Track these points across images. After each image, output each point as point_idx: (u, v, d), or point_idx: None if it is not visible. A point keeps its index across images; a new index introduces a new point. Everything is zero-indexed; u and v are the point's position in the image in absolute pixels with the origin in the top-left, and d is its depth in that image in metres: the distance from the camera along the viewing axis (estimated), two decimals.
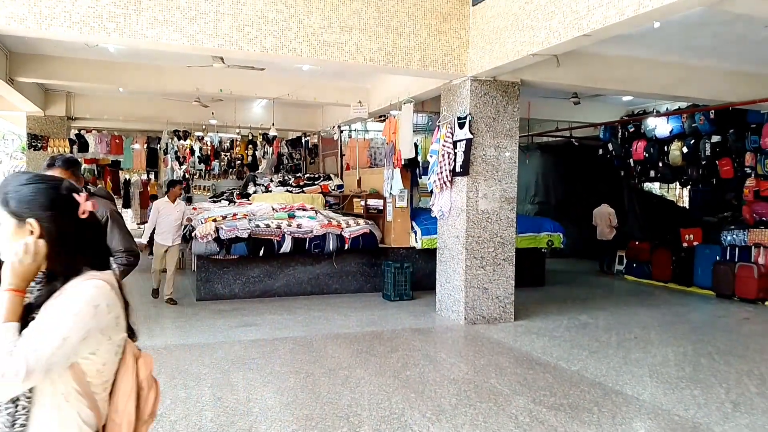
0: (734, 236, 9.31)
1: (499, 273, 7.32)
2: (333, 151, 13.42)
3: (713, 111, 9.73)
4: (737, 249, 9.19)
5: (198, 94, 10.53)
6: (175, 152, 14.30)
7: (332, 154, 13.55)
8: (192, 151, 14.23)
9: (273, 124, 12.21)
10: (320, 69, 9.04)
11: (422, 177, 9.53)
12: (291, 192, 10.88)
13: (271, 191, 11.19)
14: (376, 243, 9.05)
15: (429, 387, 4.82)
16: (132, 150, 14.45)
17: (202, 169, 15.05)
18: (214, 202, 11.53)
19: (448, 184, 7.37)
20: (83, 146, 13.14)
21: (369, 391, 4.71)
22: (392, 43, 6.52)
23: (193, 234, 8.19)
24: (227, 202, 10.96)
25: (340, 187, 11.36)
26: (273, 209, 8.98)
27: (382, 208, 9.55)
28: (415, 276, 8.74)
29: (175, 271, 8.25)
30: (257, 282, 8.59)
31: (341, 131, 12.73)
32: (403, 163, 8.61)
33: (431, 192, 7.79)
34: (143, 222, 15.30)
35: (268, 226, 8.41)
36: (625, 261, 11.44)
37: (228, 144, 15.20)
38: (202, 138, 14.41)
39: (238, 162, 15.04)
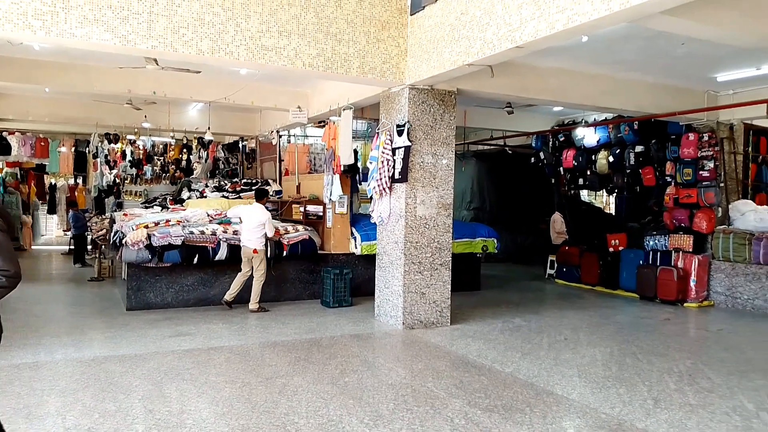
0: (656, 241, 9.83)
1: (437, 278, 7.44)
2: (271, 156, 13.25)
3: (637, 122, 10.27)
4: (659, 253, 9.72)
5: (130, 96, 10.17)
6: (106, 156, 13.77)
7: (270, 159, 13.38)
8: (123, 155, 13.73)
9: (209, 128, 11.95)
10: (258, 73, 8.93)
11: (362, 183, 9.58)
12: (227, 198, 10.66)
13: (206, 197, 10.93)
14: (316, 249, 9.00)
15: (367, 393, 4.84)
16: (58, 153, 13.81)
17: (133, 174, 14.55)
18: (146, 207, 11.14)
19: (387, 190, 7.44)
20: (5, 148, 12.46)
21: (306, 398, 4.67)
22: (331, 50, 6.53)
23: (123, 241, 7.89)
24: (160, 208, 10.62)
25: (278, 192, 11.23)
26: (208, 215, 8.78)
27: (321, 214, 9.51)
28: (355, 282, 8.75)
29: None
30: (191, 290, 8.37)
31: (280, 136, 12.60)
32: (342, 169, 8.63)
33: (371, 198, 7.83)
34: (68, 229, 14.63)
35: (202, 232, 8.21)
36: (555, 265, 11.85)
37: (161, 148, 14.76)
38: (134, 141, 13.93)
39: (172, 166, 14.63)
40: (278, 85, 10.33)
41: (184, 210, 9.48)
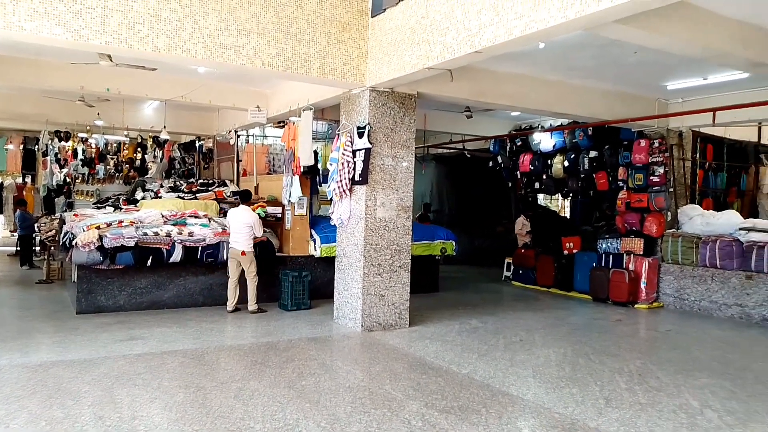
0: (609, 244, 10.11)
1: (396, 280, 7.46)
2: (229, 156, 13.05)
3: (591, 128, 10.55)
4: (611, 256, 9.99)
5: (82, 93, 9.84)
6: (56, 154, 13.31)
7: (228, 160, 13.19)
8: (75, 154, 13.29)
9: (164, 127, 11.68)
10: (217, 71, 8.79)
11: (322, 185, 9.52)
12: (183, 198, 10.42)
13: (161, 197, 10.67)
14: (274, 251, 8.91)
15: (324, 396, 4.81)
16: (6, 151, 13.27)
17: (85, 173, 14.11)
18: (98, 208, 10.81)
19: (347, 192, 7.42)
20: None
21: (263, 403, 4.61)
22: (291, 50, 6.48)
23: (73, 242, 7.64)
24: (113, 209, 10.32)
25: (236, 193, 11.05)
26: (163, 216, 8.57)
27: (280, 215, 9.42)
28: (314, 284, 8.68)
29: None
30: (145, 293, 8.16)
31: (238, 136, 12.42)
32: (302, 170, 8.56)
33: (331, 200, 7.79)
34: (15, 230, 14.08)
35: (157, 234, 8.01)
36: (512, 268, 12.05)
37: (115, 146, 14.36)
38: (86, 139, 13.50)
39: (126, 166, 14.25)
40: (237, 84, 10.19)
41: (137, 211, 9.23)
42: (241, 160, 12.35)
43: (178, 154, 14.44)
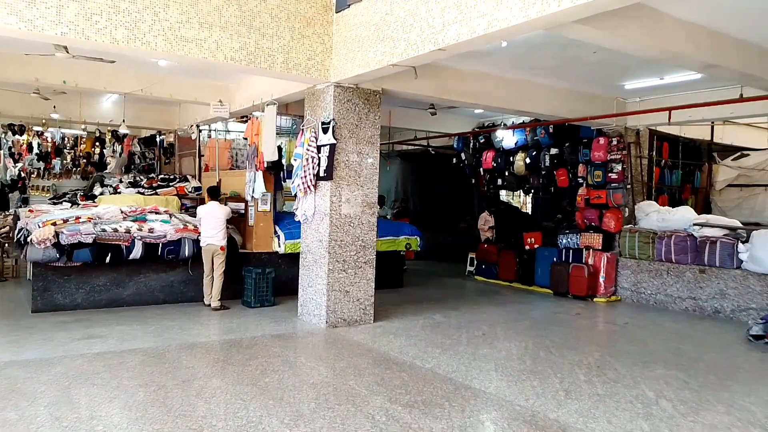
0: (569, 239, 10.33)
1: (361, 276, 7.47)
2: (191, 151, 12.83)
3: (552, 126, 10.74)
4: (571, 251, 10.22)
5: (38, 85, 9.52)
6: (10, 148, 12.87)
7: (190, 155, 12.95)
8: (30, 148, 12.88)
9: (123, 121, 11.41)
10: (178, 65, 8.62)
11: (286, 180, 9.45)
12: (143, 194, 10.22)
13: (120, 193, 10.44)
14: (237, 248, 8.81)
15: (288, 393, 4.79)
16: None
17: (40, 168, 13.68)
18: (55, 203, 10.51)
19: (312, 188, 7.38)
20: None
21: (225, 400, 4.57)
22: (254, 44, 6.41)
23: (28, 239, 7.41)
24: (70, 204, 10.05)
25: (197, 189, 10.88)
26: (122, 212, 8.38)
27: (243, 211, 9.31)
28: (278, 281, 8.62)
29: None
30: (104, 291, 7.97)
31: (200, 131, 12.22)
32: (266, 165, 8.48)
33: (295, 196, 7.75)
34: None
35: (116, 230, 7.83)
36: (475, 263, 12.20)
37: (72, 141, 13.96)
38: (42, 133, 13.10)
39: (84, 160, 13.87)
40: (199, 78, 10.01)
41: (96, 206, 9.01)
42: (203, 155, 12.14)
43: (138, 148, 14.12)
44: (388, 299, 8.96)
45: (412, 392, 4.89)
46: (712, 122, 11.32)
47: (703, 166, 12.19)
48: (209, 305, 8.17)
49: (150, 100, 11.24)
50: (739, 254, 8.45)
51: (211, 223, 8.11)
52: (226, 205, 8.67)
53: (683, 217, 9.43)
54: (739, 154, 12.33)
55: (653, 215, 9.77)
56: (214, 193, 8.54)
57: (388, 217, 12.93)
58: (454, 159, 13.36)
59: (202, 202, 10.27)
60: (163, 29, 5.85)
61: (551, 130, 10.90)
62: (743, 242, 8.49)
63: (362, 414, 4.36)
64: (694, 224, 9.20)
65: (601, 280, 9.78)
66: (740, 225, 9.16)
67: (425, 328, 7.34)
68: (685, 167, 11.68)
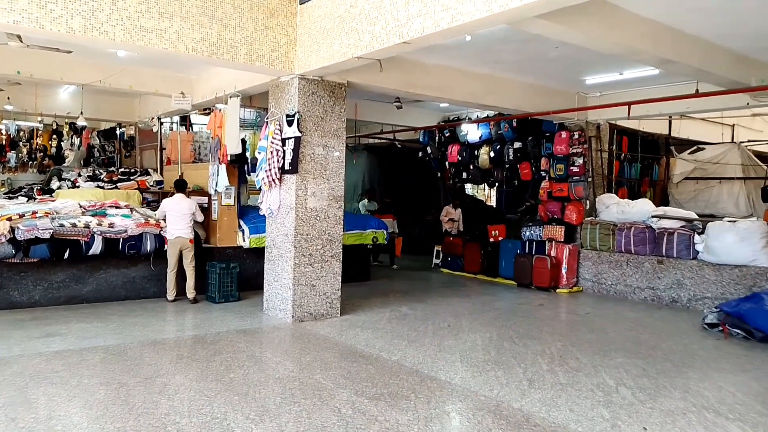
0: (532, 232, 10.51)
1: (327, 270, 7.45)
2: (152, 144, 12.55)
3: (515, 120, 10.88)
4: (534, 243, 10.40)
5: None
6: None
7: (151, 148, 12.67)
8: None
9: (81, 113, 11.09)
10: (138, 55, 8.41)
11: (250, 174, 9.34)
12: (103, 188, 9.97)
13: (79, 187, 10.15)
14: (200, 243, 8.67)
15: (253, 388, 4.76)
16: None
17: None
18: (10, 198, 10.15)
19: (276, 181, 7.32)
20: None
21: (189, 397, 4.51)
22: (217, 35, 6.30)
23: None
24: (26, 199, 9.72)
25: (159, 183, 10.67)
26: (81, 207, 8.16)
27: (206, 205, 9.16)
28: (243, 276, 8.53)
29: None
30: (62, 287, 7.76)
31: (161, 123, 11.97)
32: (229, 159, 8.37)
33: (260, 189, 7.67)
34: None
35: (74, 225, 7.62)
36: (441, 255, 12.30)
37: (28, 133, 13.47)
38: None
39: (40, 154, 13.41)
40: (160, 69, 9.80)
41: (53, 201, 8.74)
42: (164, 149, 11.90)
43: (98, 141, 13.72)
44: (355, 292, 8.97)
45: (378, 385, 4.91)
46: (670, 117, 11.65)
47: (660, 159, 12.54)
48: (173, 301, 8.05)
49: (109, 92, 10.94)
50: (695, 245, 8.73)
51: (179, 216, 8.00)
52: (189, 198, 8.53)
53: (642, 209, 9.68)
54: (695, 148, 12.73)
55: (613, 208, 10.01)
56: (182, 186, 8.39)
57: (363, 211, 12.92)
58: (420, 152, 13.42)
59: (165, 195, 10.09)
60: (122, 18, 5.70)
61: (515, 125, 11.04)
62: (699, 233, 8.78)
63: (328, 407, 4.36)
64: (653, 216, 9.46)
65: (564, 271, 9.98)
66: (696, 217, 9.47)
67: (392, 321, 7.37)
68: (643, 161, 12.00)
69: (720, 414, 4.43)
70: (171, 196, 8.36)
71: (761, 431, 4.13)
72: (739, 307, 6.95)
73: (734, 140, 12.92)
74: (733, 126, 13.35)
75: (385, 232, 10.65)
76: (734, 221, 8.48)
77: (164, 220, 8.14)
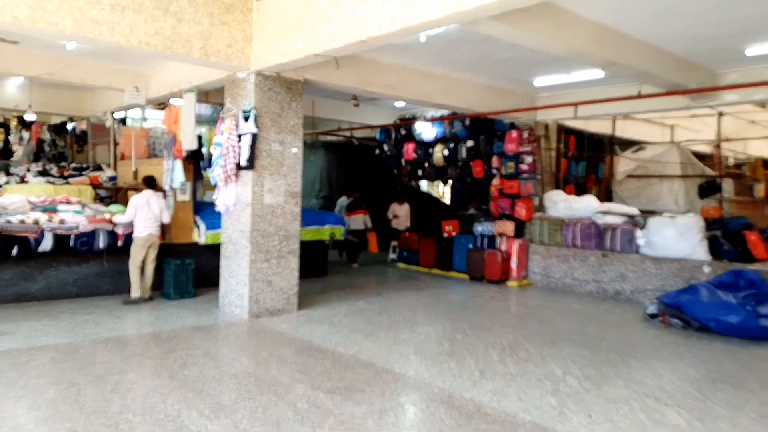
0: (484, 227, 10.78)
1: (284, 266, 7.47)
2: (105, 139, 12.24)
3: (469, 119, 11.11)
4: (486, 238, 10.67)
5: None
6: None
7: (104, 143, 12.36)
8: None
9: (30, 106, 10.73)
10: (89, 48, 8.22)
11: (206, 170, 9.24)
12: (53, 183, 9.69)
13: (27, 182, 9.84)
14: None
15: (208, 384, 4.77)
16: None
17: None
18: None
19: (233, 177, 7.29)
20: None
21: (142, 395, 4.50)
22: (171, 29, 6.24)
23: None
24: None
25: (113, 178, 10.44)
26: (30, 203, 7.93)
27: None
28: (199, 272, 8.46)
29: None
30: (10, 285, 7.53)
31: (115, 118, 11.69)
32: (185, 154, 8.27)
33: (216, 185, 7.62)
34: None
35: (23, 221, 7.41)
36: (397, 250, 12.46)
37: None
38: None
39: None
40: (113, 62, 9.56)
41: (0, 196, 8.46)
42: (118, 144, 11.63)
43: (48, 136, 13.32)
44: (312, 288, 9.03)
45: (334, 379, 5.00)
46: (614, 117, 12.10)
47: (605, 158, 13.02)
48: (136, 298, 7.85)
49: (60, 85, 10.62)
50: (637, 240, 9.13)
51: (151, 213, 7.85)
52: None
53: (588, 205, 10.06)
54: (637, 147, 13.27)
55: (561, 204, 10.35)
56: (152, 183, 8.16)
57: (336, 210, 12.90)
58: (377, 150, 13.53)
59: (118, 191, 9.91)
60: (72, 10, 5.59)
61: (468, 123, 11.28)
62: (641, 229, 9.18)
63: (284, 402, 4.42)
64: (598, 212, 9.85)
65: (514, 265, 10.27)
66: (638, 213, 9.90)
67: (348, 315, 7.46)
68: (589, 159, 12.46)
69: (660, 400, 4.67)
70: (139, 192, 8.11)
71: (697, 415, 4.38)
72: (678, 298, 7.32)
73: (674, 140, 13.52)
74: (672, 126, 13.96)
75: (342, 228, 10.72)
76: (673, 217, 8.91)
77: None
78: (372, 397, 4.59)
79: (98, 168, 10.73)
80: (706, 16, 6.28)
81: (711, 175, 12.15)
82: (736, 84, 8.27)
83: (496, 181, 10.86)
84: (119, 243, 8.05)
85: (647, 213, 10.09)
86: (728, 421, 4.30)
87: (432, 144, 12.21)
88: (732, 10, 6.11)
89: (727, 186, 11.83)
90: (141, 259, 7.86)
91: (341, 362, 5.48)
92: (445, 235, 11.43)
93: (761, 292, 7.32)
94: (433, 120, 12.03)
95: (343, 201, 13.08)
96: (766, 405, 4.66)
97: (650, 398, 4.73)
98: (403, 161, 12.91)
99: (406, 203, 12.74)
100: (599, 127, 12.46)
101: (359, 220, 12.13)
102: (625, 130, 13.07)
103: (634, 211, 9.94)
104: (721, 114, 10.15)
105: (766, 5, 5.97)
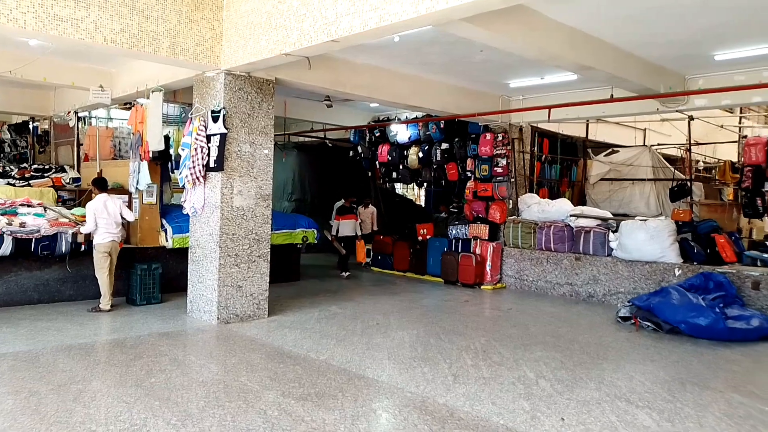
0: (458, 230, 10.77)
1: (254, 270, 7.32)
2: (68, 139, 11.89)
3: (443, 121, 11.10)
4: (460, 241, 10.65)
5: None
6: None
7: (67, 143, 12.00)
8: None
9: None
10: (52, 46, 7.95)
11: (174, 171, 9.04)
12: (13, 185, 9.36)
13: None
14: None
15: (175, 392, 4.61)
16: None
17: None
18: None
19: (201, 179, 7.13)
20: None
21: (106, 404, 4.32)
22: (138, 26, 6.07)
23: None
24: None
25: (76, 180, 10.14)
26: None
27: (127, 204, 8.78)
28: (166, 277, 8.26)
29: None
30: None
31: (79, 117, 11.37)
32: (151, 155, 8.07)
33: (183, 187, 7.44)
34: None
35: None
36: (371, 254, 12.37)
37: None
38: None
39: None
40: (77, 60, 9.28)
41: None
42: (82, 144, 11.32)
43: (9, 136, 12.90)
44: (284, 293, 8.88)
45: (305, 385, 4.88)
46: (587, 120, 12.24)
47: (578, 161, 13.15)
48: (108, 309, 7.52)
49: (21, 83, 10.26)
50: (610, 243, 9.21)
51: (110, 218, 7.52)
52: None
53: (561, 208, 10.12)
54: (610, 150, 13.44)
55: (534, 207, 10.40)
56: (103, 185, 7.83)
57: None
58: (351, 152, 13.44)
59: (82, 193, 9.62)
60: (33, 5, 5.39)
61: (442, 126, 11.27)
62: (613, 232, 9.27)
63: (254, 410, 4.30)
64: (571, 215, 9.91)
65: (488, 268, 10.27)
66: (611, 216, 10.00)
67: (320, 321, 7.35)
68: (563, 162, 12.55)
69: (631, 402, 4.69)
70: (92, 197, 7.78)
71: (666, 416, 4.41)
72: (649, 301, 7.38)
73: (645, 143, 13.73)
74: (644, 130, 14.19)
75: (315, 231, 10.58)
76: (645, 220, 9.01)
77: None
78: (344, 403, 4.49)
79: (61, 169, 10.41)
80: (677, 22, 6.35)
81: (681, 178, 12.36)
82: (705, 89, 8.40)
83: (470, 184, 10.87)
84: (83, 247, 7.79)
85: (619, 216, 10.21)
86: (696, 421, 4.33)
87: (407, 146, 12.17)
88: (701, 17, 6.20)
89: (697, 189, 12.03)
90: (107, 265, 7.55)
91: (313, 368, 5.37)
92: (420, 238, 11.39)
93: (729, 294, 7.45)
94: (407, 122, 11.99)
95: (338, 204, 12.81)
96: (732, 404, 4.71)
97: (621, 400, 4.73)
98: (377, 163, 12.84)
99: (371, 206, 12.63)
100: (573, 130, 12.59)
101: (350, 226, 11.43)
102: (598, 133, 13.23)
103: (606, 214, 10.04)
104: (691, 118, 10.33)
105: (734, 13, 6.07)
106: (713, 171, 14.58)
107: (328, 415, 4.23)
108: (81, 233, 7.67)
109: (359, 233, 11.61)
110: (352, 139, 13.27)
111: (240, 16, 6.53)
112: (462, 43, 6.94)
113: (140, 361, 5.41)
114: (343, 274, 11.21)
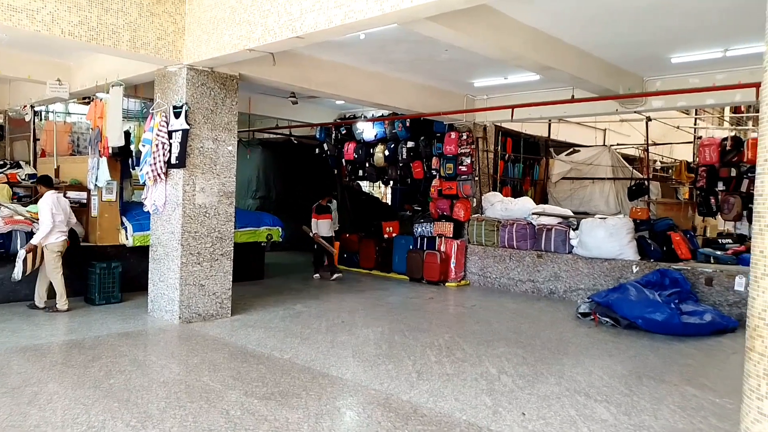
0: (423, 228, 10.83)
1: (217, 269, 7.23)
2: (24, 134, 11.53)
3: (409, 120, 11.15)
4: (426, 239, 10.73)
5: None
6: None
7: (23, 138, 11.64)
8: None
9: None
10: (7, 37, 7.68)
11: (135, 168, 8.84)
12: None
13: None
14: (78, 241, 8.09)
15: (135, 393, 4.53)
16: None
17: None
18: None
19: (162, 176, 6.99)
20: None
21: (63, 406, 4.21)
22: (97, 19, 5.91)
23: None
24: None
25: (32, 176, 9.83)
26: None
27: (85, 201, 8.57)
28: (126, 276, 8.08)
29: None
30: None
31: (35, 112, 11.03)
32: (111, 151, 7.87)
33: (144, 184, 7.29)
34: None
35: None
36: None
37: None
38: None
39: None
40: (33, 53, 8.98)
41: None
42: (38, 139, 10.98)
43: None
44: (248, 291, 8.79)
45: (269, 384, 4.85)
46: (549, 120, 12.45)
47: (541, 160, 13.39)
48: (66, 309, 7.31)
49: None
50: (570, 240, 9.40)
51: (63, 216, 7.30)
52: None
53: (523, 206, 10.29)
54: (571, 150, 13.72)
55: (498, 205, 10.54)
56: (50, 182, 7.62)
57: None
58: (317, 149, 13.37)
59: (37, 191, 9.32)
60: None
61: (408, 124, 11.30)
62: (574, 229, 9.46)
63: (216, 410, 4.25)
64: (533, 213, 10.08)
65: (452, 265, 10.37)
66: (572, 214, 10.21)
67: (285, 319, 7.30)
68: (525, 161, 12.77)
69: (590, 396, 4.80)
70: (41, 196, 7.42)
71: (623, 410, 4.52)
72: (608, 297, 7.57)
73: (605, 143, 14.06)
74: (604, 130, 14.52)
75: (280, 229, 10.49)
76: (604, 218, 9.23)
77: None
78: (308, 401, 4.48)
79: (16, 165, 10.09)
80: (636, 24, 6.52)
81: (639, 177, 12.69)
82: (662, 91, 8.65)
83: (435, 182, 10.94)
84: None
85: (580, 214, 10.41)
86: (651, 414, 4.46)
87: (373, 144, 12.17)
88: (659, 20, 6.37)
89: (654, 188, 12.38)
90: (61, 265, 7.30)
91: (276, 367, 5.33)
92: (386, 236, 11.42)
93: (684, 290, 7.70)
94: (373, 120, 11.99)
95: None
96: (686, 397, 4.87)
97: (581, 394, 4.84)
98: (343, 161, 12.81)
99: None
100: (535, 129, 12.80)
101: (327, 226, 10.79)
102: (560, 133, 13.48)
103: (567, 212, 10.25)
104: (648, 119, 10.61)
105: (689, 17, 6.26)
106: (670, 171, 15.04)
107: (292, 414, 4.21)
108: (32, 246, 7.10)
109: (333, 234, 11.09)
110: (318, 136, 13.20)
111: (203, 10, 6.43)
112: (427, 42, 6.98)
113: (99, 362, 5.29)
114: (334, 276, 10.65)
